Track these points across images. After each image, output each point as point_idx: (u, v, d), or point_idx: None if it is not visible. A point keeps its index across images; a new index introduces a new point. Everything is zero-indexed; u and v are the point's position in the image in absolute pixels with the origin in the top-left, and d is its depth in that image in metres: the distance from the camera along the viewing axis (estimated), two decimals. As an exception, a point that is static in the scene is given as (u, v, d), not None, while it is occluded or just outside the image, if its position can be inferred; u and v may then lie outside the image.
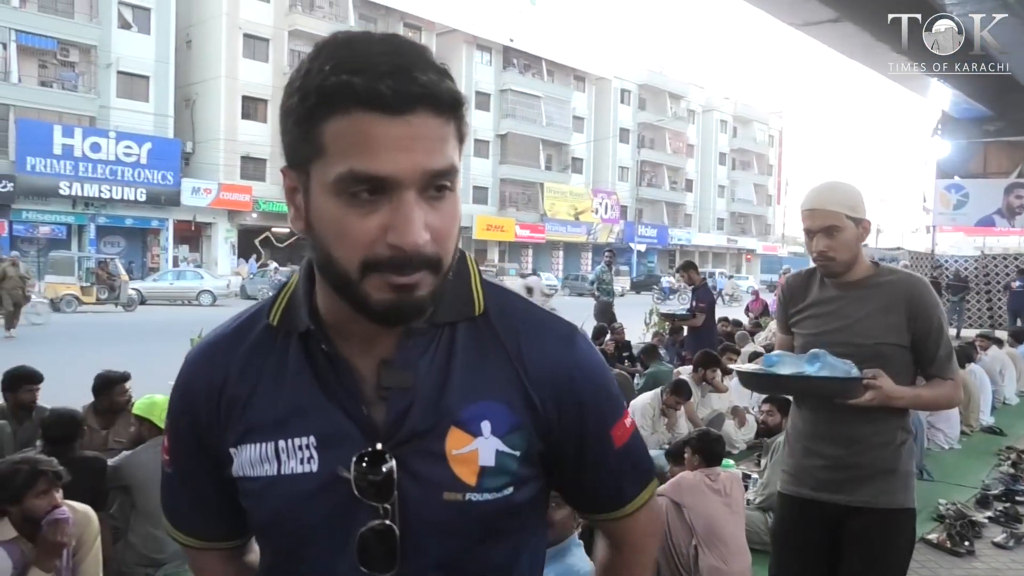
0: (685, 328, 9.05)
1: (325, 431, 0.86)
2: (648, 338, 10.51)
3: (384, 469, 0.83)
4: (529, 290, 10.46)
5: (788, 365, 2.17)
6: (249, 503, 0.90)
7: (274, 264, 28.86)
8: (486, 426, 0.87)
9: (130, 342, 13.22)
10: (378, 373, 0.86)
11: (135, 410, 3.93)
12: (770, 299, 17.07)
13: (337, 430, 0.85)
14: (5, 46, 27.18)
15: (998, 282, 17.71)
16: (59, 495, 2.84)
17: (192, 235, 32.75)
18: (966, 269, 18.55)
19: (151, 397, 3.90)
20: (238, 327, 0.95)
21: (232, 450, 0.90)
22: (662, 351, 8.96)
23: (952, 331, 16.71)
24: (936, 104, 19.10)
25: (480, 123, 41.25)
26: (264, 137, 33.14)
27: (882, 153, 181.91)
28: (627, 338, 9.95)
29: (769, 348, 5.30)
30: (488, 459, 0.87)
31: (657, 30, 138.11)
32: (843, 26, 13.54)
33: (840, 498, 2.22)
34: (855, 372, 2.10)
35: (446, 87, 0.76)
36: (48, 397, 4.75)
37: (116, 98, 29.89)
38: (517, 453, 0.89)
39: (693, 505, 3.57)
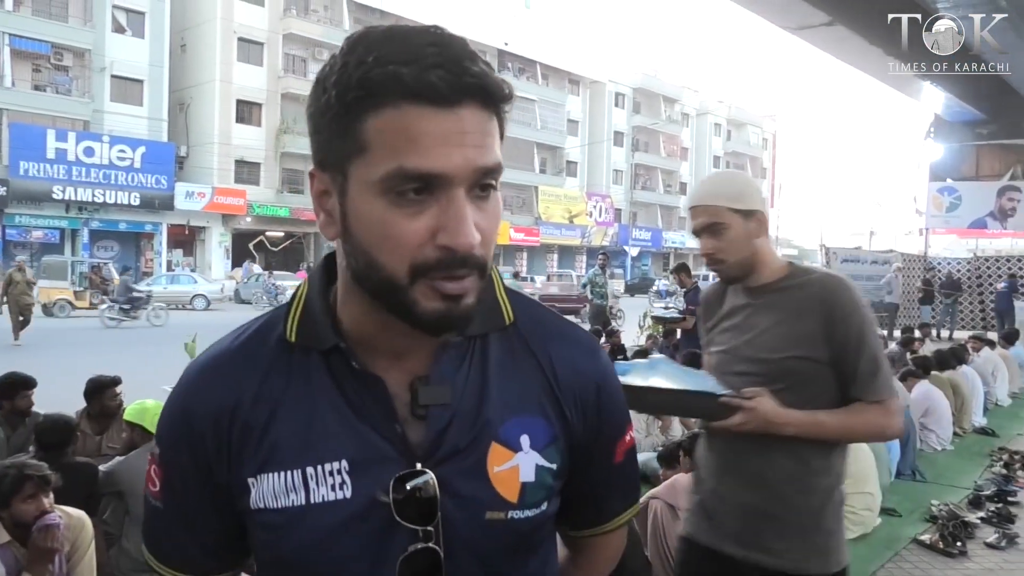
0: (679, 331, 9.10)
1: (358, 454, 0.80)
2: (643, 341, 10.53)
3: (425, 489, 0.79)
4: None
5: (634, 374, 1.80)
6: (267, 537, 0.82)
7: (257, 268, 28.52)
8: (525, 440, 0.84)
9: (123, 346, 13.18)
10: (410, 389, 0.81)
11: (126, 416, 3.92)
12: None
13: (371, 452, 0.80)
14: (-2, 50, 27.16)
15: (990, 284, 17.81)
16: (48, 501, 2.83)
17: (186, 239, 32.68)
18: (959, 271, 18.65)
19: (142, 403, 3.89)
20: (244, 343, 0.86)
21: (251, 480, 0.81)
22: (656, 353, 8.97)
23: (944, 333, 16.84)
24: (929, 107, 19.25)
25: (474, 127, 41.21)
26: (258, 141, 33.15)
27: (875, 156, 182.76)
28: (622, 342, 9.96)
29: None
30: (528, 474, 0.84)
31: (651, 34, 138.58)
32: (837, 30, 13.62)
33: (752, 556, 1.79)
34: (712, 386, 1.76)
35: (496, 79, 0.73)
36: (39, 403, 4.73)
37: (110, 102, 29.84)
38: (554, 467, 0.86)
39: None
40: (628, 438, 0.97)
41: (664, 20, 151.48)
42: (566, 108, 47.05)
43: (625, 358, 9.36)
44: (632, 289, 38.96)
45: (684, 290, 8.53)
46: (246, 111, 33.44)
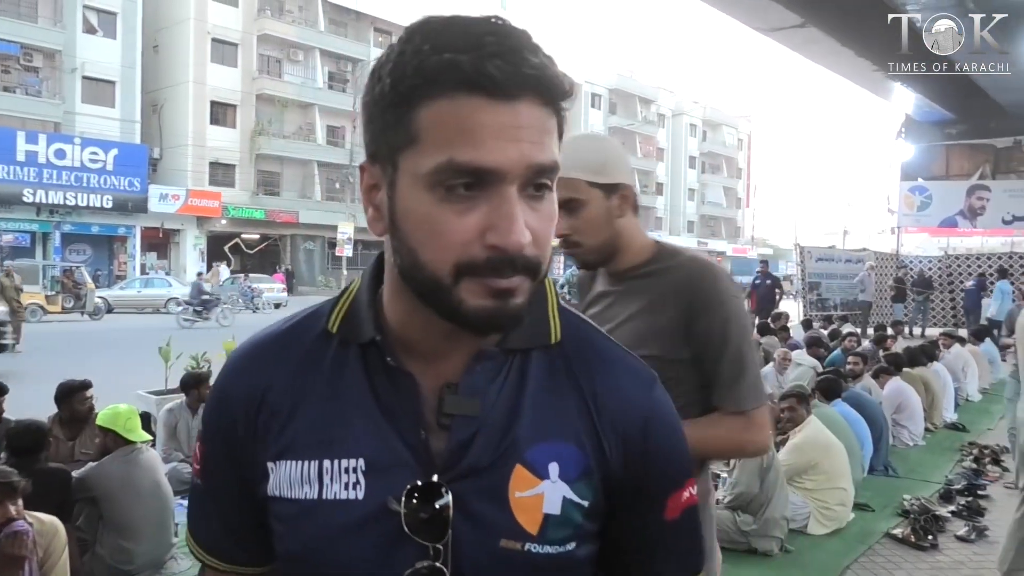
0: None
1: (376, 455, 0.76)
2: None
3: (439, 505, 0.74)
4: None
5: None
6: (281, 528, 0.80)
7: (225, 270, 28.18)
8: (554, 468, 0.77)
9: (96, 351, 13.01)
10: (440, 396, 0.77)
11: (98, 421, 3.89)
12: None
13: (389, 455, 0.76)
14: (-34, 51, 26.73)
15: (961, 282, 18.12)
16: (16, 507, 2.79)
17: (160, 242, 32.31)
18: (930, 270, 18.96)
19: (115, 407, 3.86)
20: (290, 329, 0.85)
21: (270, 464, 0.80)
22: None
23: (917, 330, 17.09)
24: (900, 108, 19.52)
25: (451, 128, 41.21)
26: (233, 143, 32.84)
27: (848, 156, 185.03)
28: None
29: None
30: (554, 507, 0.77)
31: (627, 35, 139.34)
32: (809, 31, 13.78)
33: None
34: None
35: (557, 73, 0.69)
36: (33, 408, 4.67)
37: (81, 103, 29.44)
38: (585, 504, 0.78)
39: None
40: (688, 494, 0.84)
41: (639, 21, 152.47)
42: (543, 109, 47.13)
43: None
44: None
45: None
46: (220, 113, 33.14)
